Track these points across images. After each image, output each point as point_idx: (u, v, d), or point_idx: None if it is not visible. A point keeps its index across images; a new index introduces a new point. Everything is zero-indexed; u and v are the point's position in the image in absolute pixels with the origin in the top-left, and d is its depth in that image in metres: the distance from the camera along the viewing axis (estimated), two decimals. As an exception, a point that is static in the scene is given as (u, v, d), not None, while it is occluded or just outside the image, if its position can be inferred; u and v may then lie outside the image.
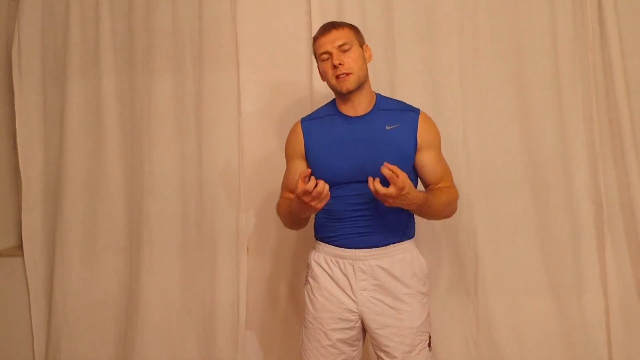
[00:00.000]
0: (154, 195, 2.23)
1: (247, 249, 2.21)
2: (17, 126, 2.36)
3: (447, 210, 1.66)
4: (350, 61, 1.58)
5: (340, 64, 1.57)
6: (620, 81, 1.97)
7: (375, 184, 1.42)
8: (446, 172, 1.69)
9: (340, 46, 1.58)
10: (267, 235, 2.24)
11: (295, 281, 2.19)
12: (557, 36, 2.02)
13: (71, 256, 2.31)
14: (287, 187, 1.74)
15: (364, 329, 1.67)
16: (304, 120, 1.72)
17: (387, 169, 1.41)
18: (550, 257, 2.05)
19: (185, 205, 2.25)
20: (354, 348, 1.67)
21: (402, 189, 1.41)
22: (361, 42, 1.65)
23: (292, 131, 1.73)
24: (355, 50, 1.60)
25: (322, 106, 1.75)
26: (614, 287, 2.00)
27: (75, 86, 2.29)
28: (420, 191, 1.53)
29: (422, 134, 1.63)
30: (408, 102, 1.71)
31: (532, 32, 2.04)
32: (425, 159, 1.64)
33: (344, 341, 1.64)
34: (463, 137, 2.06)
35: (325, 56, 1.61)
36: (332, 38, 1.59)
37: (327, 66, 1.61)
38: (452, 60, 2.06)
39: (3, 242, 2.50)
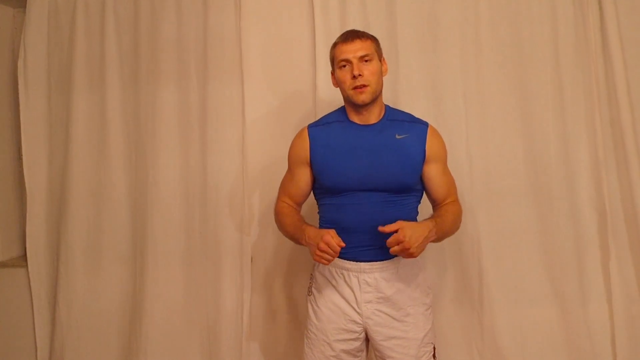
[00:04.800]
0: (158, 205, 2.24)
1: (251, 259, 2.22)
2: (22, 137, 2.37)
3: (454, 228, 1.67)
4: (369, 74, 1.58)
5: (360, 75, 1.56)
6: (622, 91, 1.98)
7: (383, 229, 1.46)
8: (452, 187, 1.71)
9: (361, 57, 1.58)
10: (271, 244, 2.24)
11: (300, 291, 2.18)
12: (559, 47, 2.04)
13: (75, 266, 2.31)
14: (287, 191, 1.75)
15: (367, 340, 1.67)
16: (311, 127, 1.72)
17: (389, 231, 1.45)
18: (554, 267, 2.05)
19: (189, 215, 2.25)
20: (357, 359, 1.67)
21: (403, 238, 1.43)
22: (380, 55, 1.65)
23: (298, 136, 1.73)
24: (375, 64, 1.60)
25: (331, 112, 1.75)
26: (618, 296, 2.00)
27: (80, 98, 2.30)
28: (424, 222, 1.53)
29: (431, 146, 1.64)
30: (411, 113, 1.73)
31: (534, 43, 2.05)
32: (433, 172, 1.65)
33: (347, 352, 1.64)
34: (466, 147, 2.07)
35: (344, 63, 1.60)
36: (355, 47, 1.58)
37: (345, 75, 1.60)
38: (455, 71, 2.07)
39: (7, 253, 2.51)
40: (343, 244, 1.47)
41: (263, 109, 2.24)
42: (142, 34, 2.27)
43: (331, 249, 1.47)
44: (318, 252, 1.48)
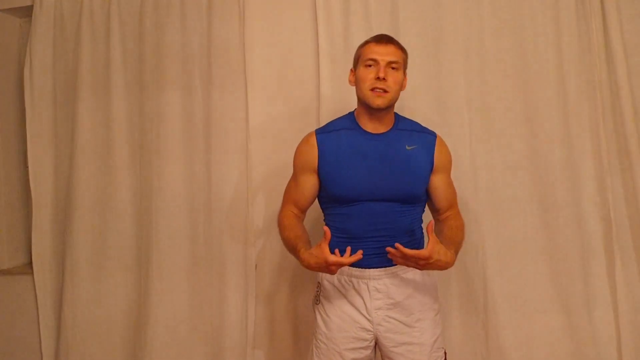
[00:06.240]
0: (163, 213, 2.24)
1: (255, 267, 2.22)
2: (28, 145, 2.39)
3: (463, 243, 1.66)
4: (392, 81, 1.56)
5: (384, 79, 1.54)
6: (626, 99, 1.97)
7: (402, 249, 1.42)
8: (455, 196, 1.72)
9: (390, 62, 1.56)
10: (275, 252, 2.24)
11: (305, 299, 2.18)
12: (562, 54, 2.03)
13: (80, 274, 2.32)
14: (291, 198, 1.72)
15: (375, 348, 1.67)
16: (319, 133, 1.67)
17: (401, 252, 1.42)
18: (560, 274, 2.04)
19: (193, 223, 2.25)
20: None
21: (429, 257, 1.42)
22: (405, 69, 1.63)
23: (306, 142, 1.68)
24: (400, 74, 1.59)
25: (338, 119, 1.72)
26: (623, 304, 1.99)
27: (85, 106, 2.32)
28: (450, 252, 1.50)
29: (439, 157, 1.64)
30: (415, 121, 1.72)
31: (537, 50, 2.05)
32: (439, 182, 1.66)
33: None
34: (470, 155, 2.06)
35: (371, 62, 1.57)
36: (388, 51, 1.57)
37: (368, 74, 1.57)
38: (459, 79, 2.07)
39: (13, 260, 2.52)
40: (358, 257, 1.45)
41: (267, 117, 2.25)
42: (147, 42, 2.28)
43: (345, 263, 1.45)
44: (334, 269, 1.47)
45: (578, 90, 2.02)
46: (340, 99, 2.12)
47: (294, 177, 1.72)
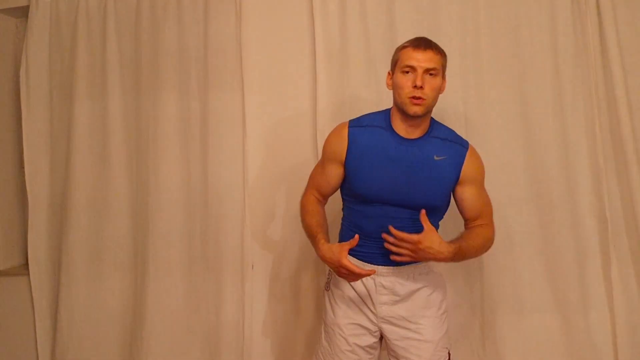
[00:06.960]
0: (159, 214, 2.24)
1: (252, 267, 2.22)
2: (24, 146, 2.38)
3: (480, 253, 1.64)
4: (429, 88, 1.52)
5: (421, 87, 1.51)
6: (622, 99, 1.98)
7: (395, 232, 1.48)
8: (486, 207, 1.68)
9: (429, 69, 1.52)
10: (272, 252, 2.24)
11: (300, 299, 2.19)
12: (558, 55, 2.04)
13: (76, 274, 2.32)
14: (316, 184, 1.73)
15: (381, 337, 1.70)
16: (352, 126, 1.64)
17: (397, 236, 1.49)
18: (556, 275, 2.04)
19: (190, 224, 2.25)
20: (370, 356, 1.69)
21: (419, 242, 1.46)
22: (444, 72, 1.59)
23: (337, 133, 1.66)
24: (438, 80, 1.55)
25: (374, 114, 1.69)
26: (619, 304, 1.99)
27: (82, 106, 2.31)
28: (450, 243, 1.51)
29: (467, 169, 1.62)
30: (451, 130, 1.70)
31: (533, 51, 2.05)
32: (466, 193, 1.64)
33: (362, 348, 1.66)
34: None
35: (408, 69, 1.53)
36: (426, 57, 1.52)
37: (406, 81, 1.54)
38: (455, 80, 2.06)
39: (8, 261, 2.51)
40: (369, 272, 1.51)
41: (263, 118, 2.25)
42: (144, 43, 2.28)
43: (354, 272, 1.50)
44: (343, 272, 1.53)
45: (574, 90, 2.03)
46: (336, 100, 2.13)
47: (321, 164, 1.72)
